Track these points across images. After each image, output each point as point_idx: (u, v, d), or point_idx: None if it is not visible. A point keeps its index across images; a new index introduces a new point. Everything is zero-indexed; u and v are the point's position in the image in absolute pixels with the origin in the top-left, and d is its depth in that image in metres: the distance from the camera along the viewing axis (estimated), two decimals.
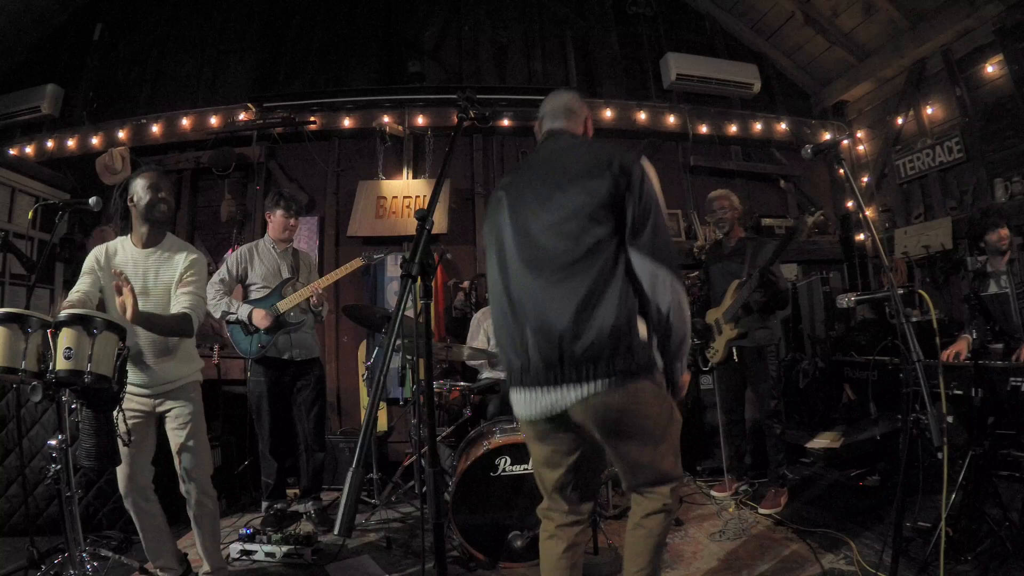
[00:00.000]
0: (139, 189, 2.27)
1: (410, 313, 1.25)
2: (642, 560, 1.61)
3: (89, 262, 2.26)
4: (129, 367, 2.14)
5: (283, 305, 3.20)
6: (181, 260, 2.29)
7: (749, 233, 3.68)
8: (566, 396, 1.48)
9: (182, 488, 2.29)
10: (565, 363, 1.47)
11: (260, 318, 3.12)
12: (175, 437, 2.28)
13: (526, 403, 1.57)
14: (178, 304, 2.21)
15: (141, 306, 2.16)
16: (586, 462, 1.68)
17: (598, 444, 1.61)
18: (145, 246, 2.29)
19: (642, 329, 1.50)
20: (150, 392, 2.24)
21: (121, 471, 2.19)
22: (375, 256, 3.46)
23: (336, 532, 0.99)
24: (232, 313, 3.16)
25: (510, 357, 1.60)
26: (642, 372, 1.49)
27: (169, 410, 2.28)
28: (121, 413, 1.96)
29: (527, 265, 1.56)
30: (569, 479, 1.68)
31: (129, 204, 2.29)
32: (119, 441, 1.96)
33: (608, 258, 1.49)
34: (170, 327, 2.18)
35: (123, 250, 2.29)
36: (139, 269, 2.25)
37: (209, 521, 2.33)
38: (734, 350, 3.34)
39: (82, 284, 2.21)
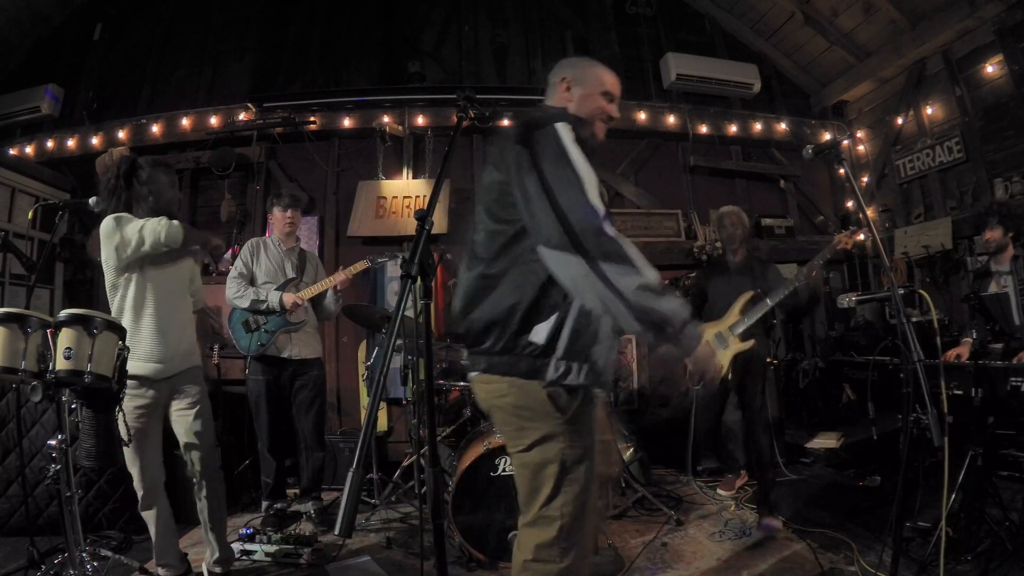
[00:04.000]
0: (163, 185, 2.32)
1: (410, 313, 1.25)
2: None
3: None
4: (154, 338, 2.19)
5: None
6: (187, 266, 2.46)
7: (752, 252, 3.59)
8: None
9: (189, 471, 2.31)
10: None
11: (289, 301, 3.16)
12: (184, 418, 2.29)
13: None
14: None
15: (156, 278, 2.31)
16: None
17: None
18: None
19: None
20: (166, 367, 2.24)
21: (143, 473, 2.19)
22: (379, 260, 3.46)
23: (336, 532, 0.99)
24: (263, 301, 3.17)
25: None
26: None
27: (178, 393, 2.30)
28: (121, 413, 1.96)
29: None
30: None
31: (145, 193, 2.29)
32: (119, 441, 1.96)
33: None
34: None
35: None
36: None
37: (219, 505, 2.38)
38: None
39: None
